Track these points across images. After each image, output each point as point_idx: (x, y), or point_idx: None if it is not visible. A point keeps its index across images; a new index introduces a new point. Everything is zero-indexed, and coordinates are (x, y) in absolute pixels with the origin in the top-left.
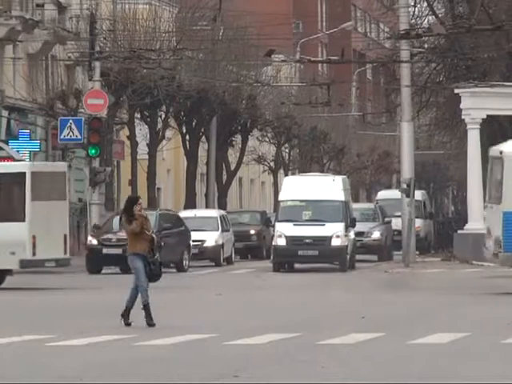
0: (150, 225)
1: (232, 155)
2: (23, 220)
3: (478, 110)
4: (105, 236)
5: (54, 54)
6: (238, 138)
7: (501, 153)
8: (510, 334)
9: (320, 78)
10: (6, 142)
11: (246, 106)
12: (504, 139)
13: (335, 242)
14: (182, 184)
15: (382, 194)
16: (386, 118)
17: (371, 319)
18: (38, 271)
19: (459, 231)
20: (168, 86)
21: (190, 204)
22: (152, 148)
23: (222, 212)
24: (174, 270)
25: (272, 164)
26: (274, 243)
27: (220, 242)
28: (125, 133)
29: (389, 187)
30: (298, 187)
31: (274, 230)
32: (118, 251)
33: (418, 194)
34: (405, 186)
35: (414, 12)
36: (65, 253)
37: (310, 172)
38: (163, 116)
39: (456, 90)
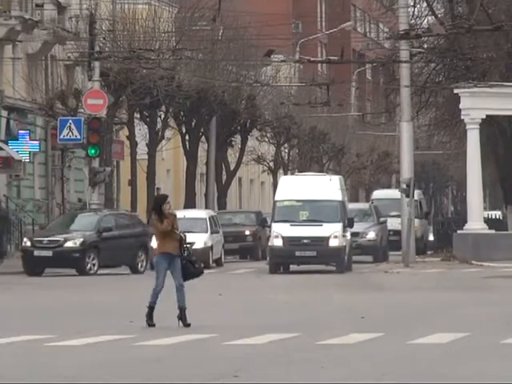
0: (178, 224)
1: (231, 155)
2: None
3: (477, 110)
4: (38, 238)
5: (53, 54)
6: (237, 138)
7: None
8: (510, 334)
9: (319, 78)
10: (6, 142)
11: (246, 106)
12: (503, 139)
13: (333, 243)
14: (182, 184)
15: (378, 194)
16: (386, 118)
17: (371, 319)
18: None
19: (459, 231)
20: (167, 86)
21: (190, 204)
22: (151, 148)
23: (212, 213)
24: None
25: (271, 164)
26: (270, 244)
27: (209, 244)
28: (124, 133)
29: (388, 187)
30: (295, 187)
31: (270, 231)
32: (48, 253)
33: (415, 194)
34: (404, 186)
35: (413, 12)
36: None
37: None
38: (163, 116)
39: (455, 90)
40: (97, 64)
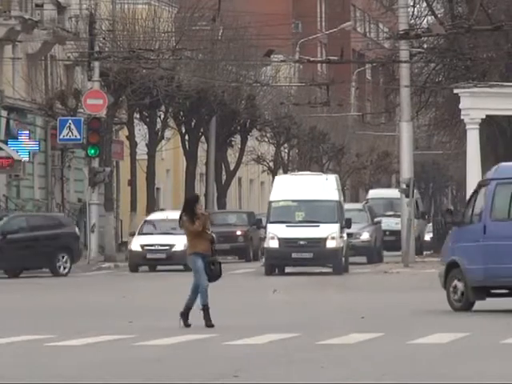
0: (209, 224)
1: (231, 155)
2: None
3: (477, 110)
4: None
5: (53, 54)
6: (237, 138)
7: None
8: (510, 334)
9: (319, 78)
10: (6, 142)
11: (246, 106)
12: (503, 139)
13: (330, 244)
14: (182, 184)
15: (373, 193)
16: (386, 118)
17: (371, 319)
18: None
19: None
20: (167, 86)
21: None
22: (151, 148)
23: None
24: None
25: (271, 164)
26: (265, 245)
27: None
28: (124, 133)
29: (388, 187)
30: (290, 187)
31: (265, 232)
32: None
33: None
34: (404, 186)
35: (413, 12)
36: None
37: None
38: (162, 116)
39: (455, 90)
40: (96, 64)
